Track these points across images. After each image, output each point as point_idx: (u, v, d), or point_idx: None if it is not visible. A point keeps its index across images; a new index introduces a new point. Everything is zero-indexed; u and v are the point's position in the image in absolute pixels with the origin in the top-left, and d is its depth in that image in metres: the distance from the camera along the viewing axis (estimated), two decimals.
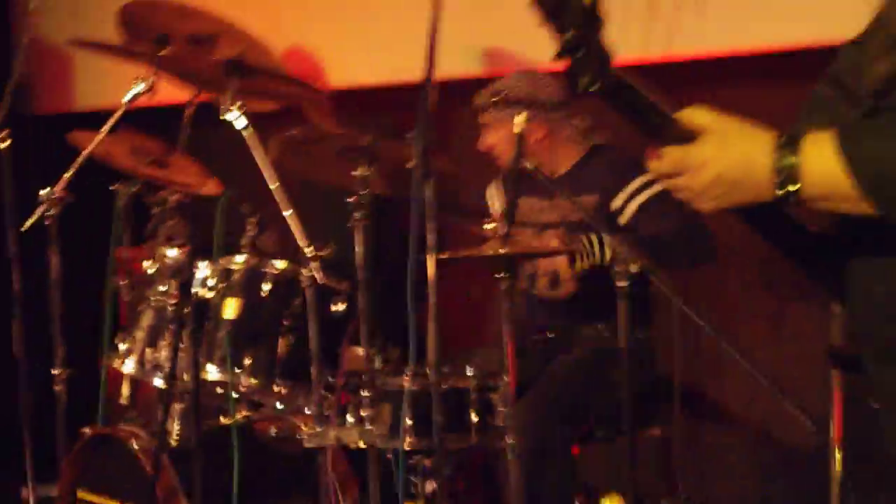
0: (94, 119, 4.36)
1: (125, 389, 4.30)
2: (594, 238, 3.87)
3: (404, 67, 4.78)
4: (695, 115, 1.97)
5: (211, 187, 4.22)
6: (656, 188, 3.97)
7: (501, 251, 3.44)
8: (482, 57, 4.80)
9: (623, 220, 4.03)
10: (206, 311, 3.49)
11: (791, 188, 1.92)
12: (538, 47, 4.21)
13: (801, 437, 4.52)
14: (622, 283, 3.27)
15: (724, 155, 1.94)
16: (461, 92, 4.24)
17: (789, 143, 1.93)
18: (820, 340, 4.27)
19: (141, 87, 4.14)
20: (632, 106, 1.91)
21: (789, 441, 4.63)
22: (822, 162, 1.90)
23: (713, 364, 4.49)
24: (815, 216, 2.04)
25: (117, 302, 5.55)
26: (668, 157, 1.96)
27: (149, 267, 4.02)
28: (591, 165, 4.18)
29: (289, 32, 5.30)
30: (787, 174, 1.92)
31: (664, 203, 3.95)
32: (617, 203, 4.06)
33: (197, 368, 3.44)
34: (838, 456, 3.36)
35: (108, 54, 4.45)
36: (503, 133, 4.12)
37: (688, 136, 1.95)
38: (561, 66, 1.88)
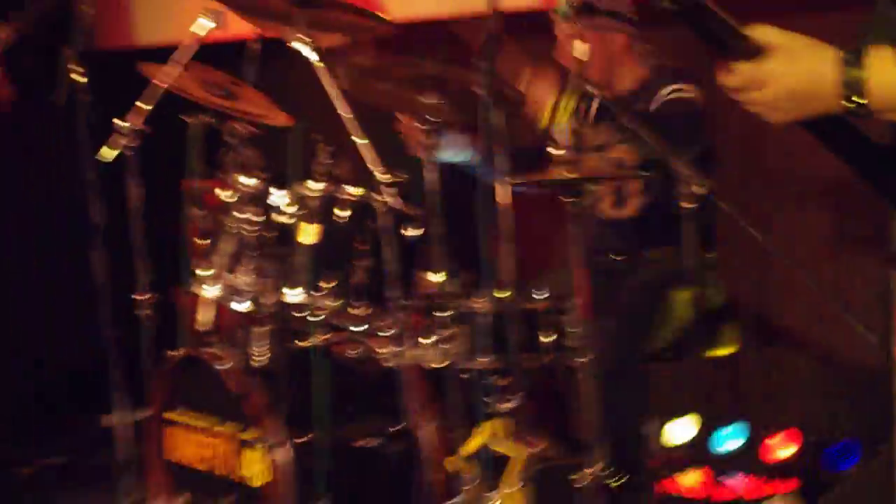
0: (153, 54, 4.48)
1: (204, 315, 4.42)
2: None
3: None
4: (763, 33, 2.06)
5: (280, 118, 4.33)
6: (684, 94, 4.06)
7: (569, 175, 3.52)
8: None
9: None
10: (286, 236, 3.58)
11: (858, 100, 2.00)
12: None
13: (864, 357, 4.60)
14: (688, 205, 3.32)
15: (792, 69, 2.04)
16: (518, 25, 4.31)
17: (855, 56, 2.02)
18: (878, 260, 4.37)
19: (209, 21, 4.24)
20: (705, 22, 2.00)
21: (853, 361, 4.70)
22: (886, 74, 1.99)
23: (776, 286, 4.57)
24: (881, 128, 2.13)
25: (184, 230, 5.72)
26: (739, 72, 2.05)
27: (226, 196, 4.14)
28: (655, 87, 4.24)
29: None
30: (854, 86, 2.01)
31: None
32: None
33: (280, 291, 3.54)
34: None
35: None
36: (597, 46, 4.17)
37: (757, 53, 2.04)
38: None
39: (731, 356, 4.28)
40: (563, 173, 3.49)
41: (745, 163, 4.17)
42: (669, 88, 4.11)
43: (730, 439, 4.88)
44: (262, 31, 4.63)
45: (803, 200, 4.72)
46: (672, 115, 4.00)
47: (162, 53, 4.43)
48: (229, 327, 4.43)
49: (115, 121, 4.27)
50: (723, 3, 2.03)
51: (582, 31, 4.19)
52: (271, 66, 4.73)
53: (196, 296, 4.28)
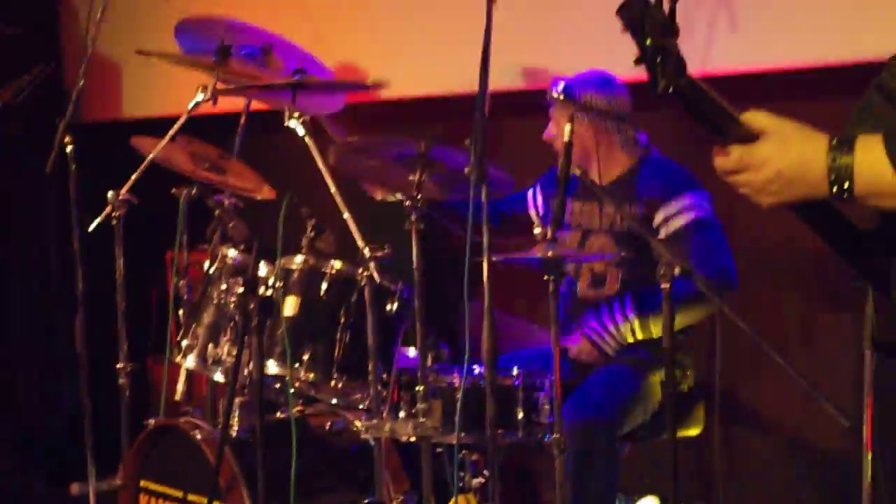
0: (140, 127, 4.56)
1: (180, 385, 4.46)
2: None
3: (450, 79, 4.99)
4: (757, 118, 2.16)
5: (266, 192, 4.40)
6: (690, 217, 4.15)
7: (550, 254, 3.59)
8: (527, 71, 4.95)
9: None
10: (267, 308, 3.63)
11: (845, 186, 2.10)
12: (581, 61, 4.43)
13: (834, 440, 4.67)
14: (665, 285, 3.38)
15: (783, 154, 2.13)
16: (508, 104, 4.40)
17: (843, 143, 2.11)
18: (850, 346, 4.45)
19: (202, 96, 4.33)
20: (702, 107, 2.10)
21: (822, 444, 4.76)
22: (873, 162, 2.09)
23: (746, 367, 4.63)
24: (865, 213, 2.22)
25: (165, 301, 5.76)
26: (733, 155, 2.15)
27: (210, 267, 4.20)
28: (639, 176, 4.32)
29: (335, 46, 5.48)
30: (841, 172, 2.10)
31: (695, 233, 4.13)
32: (657, 220, 4.21)
33: (262, 362, 3.58)
34: (869, 458, 3.49)
35: (173, 64, 4.62)
36: (561, 129, 4.27)
37: (751, 137, 2.14)
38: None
39: (697, 437, 4.34)
40: (545, 252, 3.57)
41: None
42: (673, 209, 4.19)
43: None
44: (248, 107, 4.73)
45: (777, 283, 4.81)
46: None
47: (151, 125, 4.51)
48: (202, 398, 4.47)
49: (109, 193, 4.32)
50: (719, 89, 2.13)
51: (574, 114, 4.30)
52: (255, 139, 4.82)
53: (174, 365, 4.32)
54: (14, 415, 6.30)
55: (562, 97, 4.26)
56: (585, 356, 4.21)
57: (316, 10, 5.60)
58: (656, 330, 4.11)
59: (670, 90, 2.02)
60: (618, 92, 4.28)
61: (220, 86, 4.34)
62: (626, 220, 4.16)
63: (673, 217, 4.16)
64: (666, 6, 2.02)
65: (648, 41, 1.99)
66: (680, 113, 2.12)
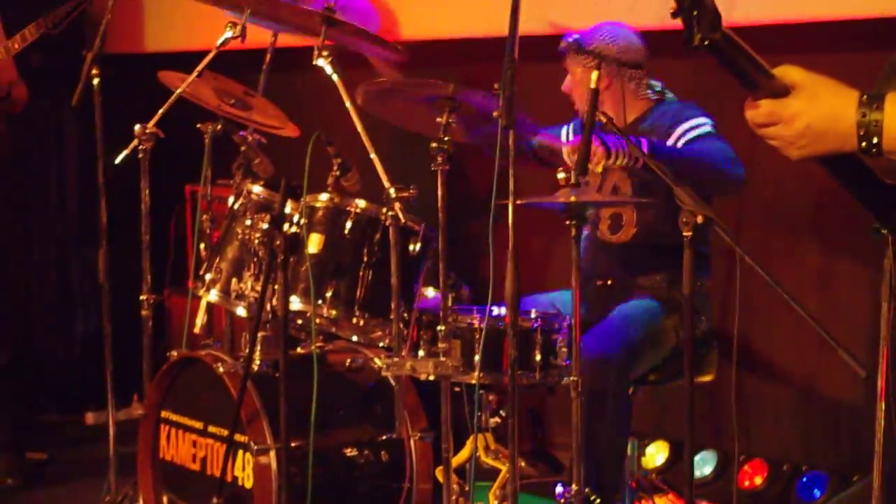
0: (164, 60, 4.59)
1: (199, 318, 4.52)
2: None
3: (475, 21, 5.02)
4: (789, 72, 2.20)
5: (290, 129, 4.43)
6: (704, 129, 4.20)
7: (573, 199, 3.64)
8: (550, 16, 4.97)
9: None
10: (292, 245, 3.68)
11: (874, 141, 2.14)
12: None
13: (845, 390, 4.72)
14: (687, 233, 3.42)
15: (813, 108, 2.17)
16: (536, 48, 4.43)
17: (873, 100, 2.15)
18: (867, 297, 4.49)
19: (231, 32, 4.35)
20: (735, 60, 2.13)
21: (833, 394, 4.82)
22: None
23: (760, 315, 4.68)
24: (892, 167, 2.27)
25: (184, 235, 5.82)
26: (764, 108, 2.19)
27: (234, 202, 4.24)
28: (655, 115, 4.37)
29: None
30: (871, 128, 2.14)
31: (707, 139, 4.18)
32: (675, 134, 4.25)
33: (287, 298, 3.64)
34: (882, 408, 3.53)
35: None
36: (578, 80, 4.31)
37: (782, 91, 2.18)
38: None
39: (710, 383, 4.39)
40: (569, 196, 3.61)
41: (740, 194, 4.30)
42: (687, 125, 4.22)
43: (704, 465, 5.02)
44: (274, 43, 4.75)
45: (794, 234, 4.85)
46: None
47: (169, 59, 4.54)
48: (226, 331, 4.54)
49: (136, 126, 4.36)
50: (753, 42, 2.16)
51: (570, 64, 4.34)
52: (281, 77, 4.84)
53: (195, 298, 4.38)
54: (28, 344, 6.37)
55: (574, 48, 4.31)
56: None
57: None
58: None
59: (706, 43, 2.06)
60: (630, 41, 4.33)
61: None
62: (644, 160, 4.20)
63: (691, 129, 4.23)
64: None
65: None
66: (700, 60, 2.15)
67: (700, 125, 4.23)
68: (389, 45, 4.23)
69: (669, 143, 4.20)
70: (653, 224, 4.28)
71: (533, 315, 3.93)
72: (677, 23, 2.08)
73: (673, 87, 4.48)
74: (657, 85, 4.43)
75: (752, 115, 2.21)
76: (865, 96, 2.16)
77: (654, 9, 4.58)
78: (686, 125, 4.24)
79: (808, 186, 4.60)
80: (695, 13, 2.02)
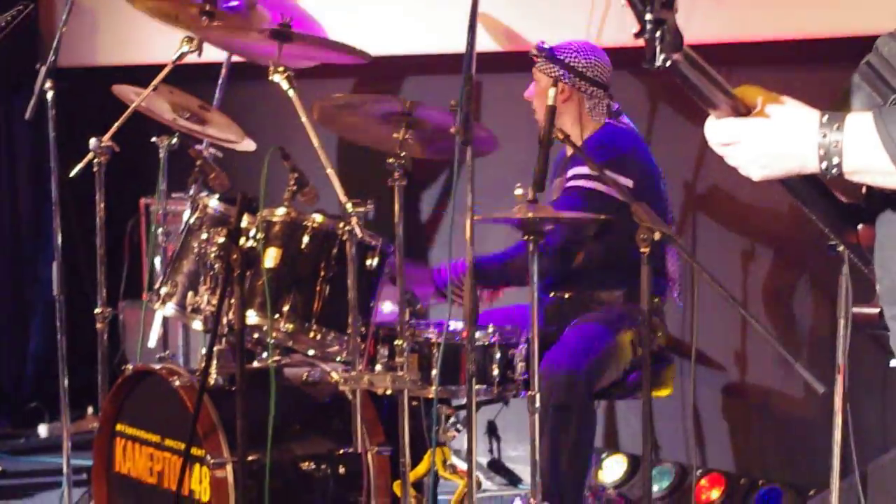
0: (119, 73, 4.57)
1: (154, 332, 4.49)
2: None
3: (429, 38, 5.02)
4: (749, 92, 2.21)
5: (246, 143, 4.42)
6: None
7: (530, 215, 3.65)
8: (508, 32, 4.98)
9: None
10: (249, 259, 3.67)
11: (834, 162, 2.15)
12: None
13: (799, 406, 4.75)
14: (645, 249, 3.44)
15: (774, 128, 2.18)
16: (488, 63, 4.44)
17: (833, 120, 2.16)
18: (822, 315, 4.53)
19: (188, 47, 4.34)
20: (697, 80, 2.14)
21: (788, 409, 4.85)
22: (861, 139, 2.14)
23: (719, 331, 4.70)
24: (850, 187, 2.28)
25: (138, 248, 5.79)
26: (725, 128, 2.19)
27: (190, 216, 4.22)
28: (594, 137, 4.40)
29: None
30: (831, 149, 2.15)
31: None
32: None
33: (243, 312, 3.63)
34: (839, 423, 3.57)
35: (159, 15, 4.61)
36: (543, 88, 4.30)
37: (743, 111, 2.18)
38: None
39: (667, 397, 4.41)
40: (525, 212, 3.63)
41: (697, 211, 4.32)
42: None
43: (661, 479, 5.03)
44: (230, 58, 4.74)
45: (751, 250, 4.88)
46: None
47: (124, 73, 4.51)
48: (180, 345, 4.52)
49: (92, 139, 4.34)
50: (710, 60, 2.17)
51: (538, 73, 4.35)
52: (238, 90, 4.83)
53: (151, 312, 4.35)
54: None
55: (544, 55, 4.31)
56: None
57: None
58: None
59: (668, 64, 2.06)
60: (599, 59, 4.35)
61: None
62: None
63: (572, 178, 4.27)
64: None
65: (649, 15, 2.02)
66: (659, 77, 2.15)
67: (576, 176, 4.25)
68: (355, 51, 4.20)
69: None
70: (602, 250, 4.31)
71: (490, 329, 3.94)
72: (635, 41, 2.08)
73: (629, 104, 4.50)
74: (613, 106, 4.45)
75: (713, 135, 2.22)
76: (826, 117, 2.17)
77: (611, 26, 4.65)
78: (574, 170, 4.27)
79: (764, 202, 4.63)
80: (658, 33, 2.03)
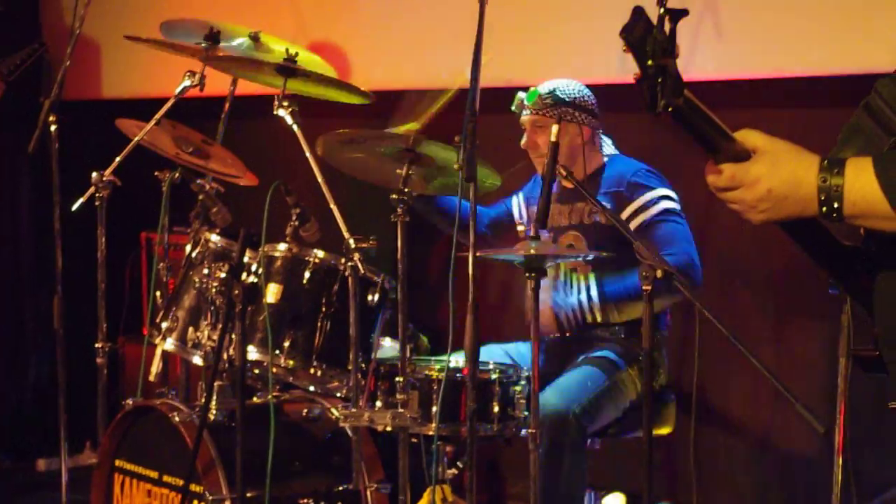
0: (122, 107, 4.58)
1: (155, 367, 4.49)
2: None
3: (431, 72, 5.03)
4: (750, 136, 2.21)
5: (249, 178, 4.43)
6: (656, 209, 4.23)
7: (533, 252, 3.65)
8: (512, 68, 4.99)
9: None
10: (250, 294, 3.67)
11: (834, 206, 2.16)
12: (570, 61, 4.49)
13: (801, 444, 4.74)
14: (647, 287, 3.43)
15: (774, 173, 2.19)
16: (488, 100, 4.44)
17: (833, 165, 2.17)
18: (821, 354, 4.52)
19: (190, 81, 4.36)
20: (698, 125, 2.14)
21: (789, 448, 4.83)
22: (862, 184, 2.15)
23: (717, 368, 4.69)
24: (849, 229, 2.29)
25: (139, 282, 5.78)
26: (726, 173, 2.20)
27: (192, 250, 4.23)
28: (604, 172, 4.41)
29: (315, 36, 5.53)
30: (831, 193, 2.16)
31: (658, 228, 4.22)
32: (626, 213, 4.27)
33: (244, 348, 3.63)
34: (840, 463, 3.56)
35: (161, 49, 4.63)
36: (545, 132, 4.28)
37: (743, 155, 2.19)
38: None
39: (668, 436, 4.40)
40: (528, 250, 3.63)
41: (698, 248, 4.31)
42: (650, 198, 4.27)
43: None
44: (232, 93, 4.75)
45: (752, 289, 4.88)
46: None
47: (127, 106, 4.52)
48: (181, 380, 4.51)
49: (94, 173, 4.35)
50: (710, 98, 2.17)
51: (546, 119, 4.32)
52: (240, 125, 4.84)
53: (152, 346, 4.35)
54: None
55: (550, 100, 4.30)
56: (543, 328, 4.23)
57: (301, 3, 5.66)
58: (613, 316, 4.26)
59: (669, 109, 2.07)
60: (589, 94, 4.37)
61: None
62: (602, 216, 4.21)
63: (642, 209, 4.24)
64: (667, 27, 2.06)
65: (650, 62, 2.03)
66: (651, 116, 2.14)
67: (654, 202, 4.26)
68: (358, 91, 4.21)
69: (625, 215, 4.24)
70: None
71: (491, 366, 3.94)
72: (628, 77, 2.09)
73: (626, 143, 4.51)
74: (608, 140, 4.47)
75: (714, 180, 2.22)
76: (826, 161, 2.18)
77: (608, 63, 4.66)
78: (640, 201, 4.28)
79: (765, 241, 4.62)
80: (659, 80, 2.03)
